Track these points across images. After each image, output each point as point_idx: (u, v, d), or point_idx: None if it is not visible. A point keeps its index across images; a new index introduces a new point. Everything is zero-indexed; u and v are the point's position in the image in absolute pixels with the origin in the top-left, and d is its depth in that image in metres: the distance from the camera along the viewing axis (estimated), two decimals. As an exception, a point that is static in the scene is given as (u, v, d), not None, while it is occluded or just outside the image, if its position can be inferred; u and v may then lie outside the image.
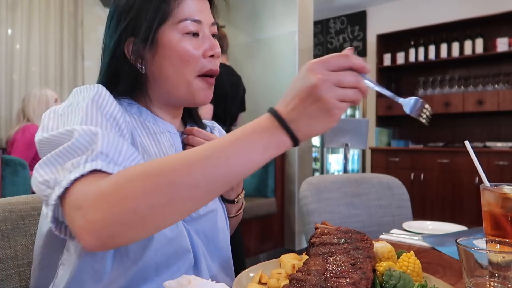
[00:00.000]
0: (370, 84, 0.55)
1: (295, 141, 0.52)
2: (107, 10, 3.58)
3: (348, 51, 0.54)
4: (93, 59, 3.67)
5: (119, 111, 0.67)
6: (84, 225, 0.48)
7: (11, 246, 0.79)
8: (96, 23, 3.69)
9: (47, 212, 0.54)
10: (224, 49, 2.46)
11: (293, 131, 0.51)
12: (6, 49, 3.15)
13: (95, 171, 0.53)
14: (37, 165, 0.56)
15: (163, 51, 0.71)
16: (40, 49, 3.34)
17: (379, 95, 5.01)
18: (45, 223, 0.69)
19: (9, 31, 3.18)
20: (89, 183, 0.51)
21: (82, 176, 0.52)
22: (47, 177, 0.54)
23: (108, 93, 0.67)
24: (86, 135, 0.56)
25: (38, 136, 0.61)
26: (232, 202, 0.87)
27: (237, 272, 0.76)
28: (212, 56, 0.73)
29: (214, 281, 0.51)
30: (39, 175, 0.55)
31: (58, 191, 0.52)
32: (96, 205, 0.48)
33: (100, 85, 0.67)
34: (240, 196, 0.88)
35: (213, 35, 0.75)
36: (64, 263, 0.67)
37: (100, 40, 0.79)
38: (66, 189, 0.52)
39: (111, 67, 0.73)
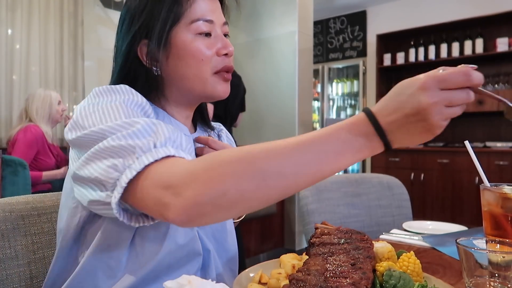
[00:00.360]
0: (481, 92, 0.53)
1: (388, 149, 0.52)
2: (107, 10, 3.56)
3: (469, 68, 0.51)
4: (93, 59, 3.67)
5: (152, 110, 0.68)
6: (176, 202, 0.50)
7: (11, 246, 0.79)
8: (96, 23, 3.68)
9: (107, 194, 0.55)
10: None
11: (389, 140, 0.51)
12: (6, 49, 3.15)
13: (167, 157, 0.55)
14: (95, 151, 0.57)
15: (177, 52, 0.71)
16: (40, 49, 3.33)
17: (378, 94, 5.01)
18: (64, 220, 0.69)
19: (9, 31, 3.18)
20: (166, 166, 0.54)
21: (155, 161, 0.54)
22: (114, 161, 0.55)
23: (138, 93, 0.68)
24: (148, 126, 0.58)
25: (73, 135, 0.61)
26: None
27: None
28: (225, 54, 0.74)
29: (214, 281, 0.51)
30: (103, 158, 0.56)
31: (130, 174, 0.53)
32: (188, 185, 0.50)
33: (127, 86, 0.68)
34: None
35: (225, 35, 0.76)
36: (80, 259, 0.68)
37: (100, 40, 0.79)
38: (138, 173, 0.54)
39: (124, 70, 0.73)
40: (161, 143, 0.57)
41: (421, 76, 0.51)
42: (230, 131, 2.73)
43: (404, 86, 0.51)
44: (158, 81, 0.73)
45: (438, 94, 0.49)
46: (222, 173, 0.50)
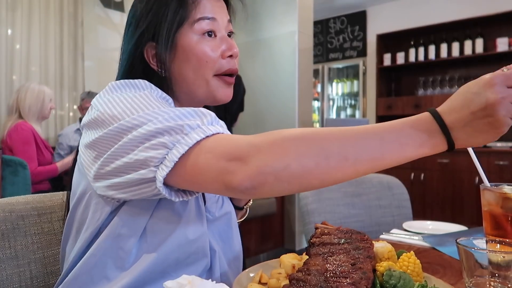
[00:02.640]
0: None
1: (451, 147, 0.53)
2: (107, 10, 3.54)
3: None
4: (93, 59, 3.67)
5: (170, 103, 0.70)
6: (241, 169, 0.53)
7: (11, 246, 0.79)
8: (96, 23, 3.68)
9: (149, 170, 0.56)
10: None
11: (453, 138, 0.52)
12: (6, 49, 3.14)
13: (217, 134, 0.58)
14: (133, 138, 0.57)
15: (182, 54, 0.72)
16: (40, 49, 3.33)
17: (378, 94, 5.01)
18: (82, 217, 0.69)
19: (9, 31, 3.18)
20: (222, 141, 0.56)
21: (207, 136, 0.57)
22: (160, 140, 0.56)
23: (157, 88, 0.69)
24: (191, 109, 0.59)
25: (99, 132, 0.61)
26: (241, 209, 0.90)
27: (237, 272, 0.76)
28: (230, 56, 0.74)
29: (214, 281, 0.51)
30: (147, 141, 0.57)
31: (182, 149, 0.56)
32: (253, 156, 0.52)
33: (146, 81, 0.69)
34: (248, 204, 0.91)
35: (230, 34, 0.76)
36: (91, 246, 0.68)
37: (100, 40, 0.79)
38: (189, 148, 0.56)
39: (130, 71, 0.73)
40: (208, 121, 0.59)
41: (487, 75, 0.53)
42: (231, 131, 2.73)
43: (470, 86, 0.53)
44: (166, 83, 0.73)
45: (505, 90, 0.51)
46: (285, 148, 0.52)
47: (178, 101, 0.76)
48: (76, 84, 3.59)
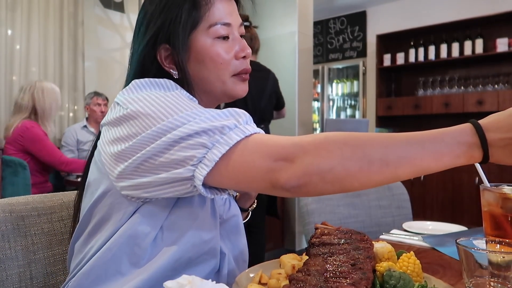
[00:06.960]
0: None
1: (485, 161, 0.54)
2: (107, 10, 3.52)
3: None
4: (93, 60, 3.67)
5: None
6: (289, 168, 0.55)
7: (11, 247, 0.79)
8: (96, 23, 3.68)
9: (186, 169, 0.57)
10: (254, 49, 2.40)
11: (490, 154, 0.53)
12: (6, 49, 3.14)
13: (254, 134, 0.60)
14: (168, 140, 0.58)
15: (196, 56, 0.72)
16: (40, 49, 3.33)
17: (378, 95, 5.01)
18: (100, 208, 0.69)
19: (9, 31, 3.17)
20: (264, 140, 0.58)
21: (246, 136, 0.58)
22: (199, 140, 0.57)
23: (182, 88, 0.71)
24: (225, 110, 0.61)
25: (121, 132, 0.62)
26: (246, 210, 0.91)
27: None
28: (244, 57, 0.75)
29: (214, 281, 0.51)
30: (184, 140, 0.58)
31: (223, 149, 0.57)
32: (299, 156, 0.55)
33: (171, 80, 0.70)
34: (253, 206, 0.92)
35: (242, 35, 0.77)
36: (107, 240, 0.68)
37: (100, 41, 0.79)
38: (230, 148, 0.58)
39: (142, 72, 0.73)
40: (243, 121, 0.60)
41: None
42: (267, 131, 2.63)
43: None
44: (181, 83, 0.73)
45: None
46: (330, 151, 0.54)
47: (199, 101, 0.77)
48: (76, 84, 3.58)
